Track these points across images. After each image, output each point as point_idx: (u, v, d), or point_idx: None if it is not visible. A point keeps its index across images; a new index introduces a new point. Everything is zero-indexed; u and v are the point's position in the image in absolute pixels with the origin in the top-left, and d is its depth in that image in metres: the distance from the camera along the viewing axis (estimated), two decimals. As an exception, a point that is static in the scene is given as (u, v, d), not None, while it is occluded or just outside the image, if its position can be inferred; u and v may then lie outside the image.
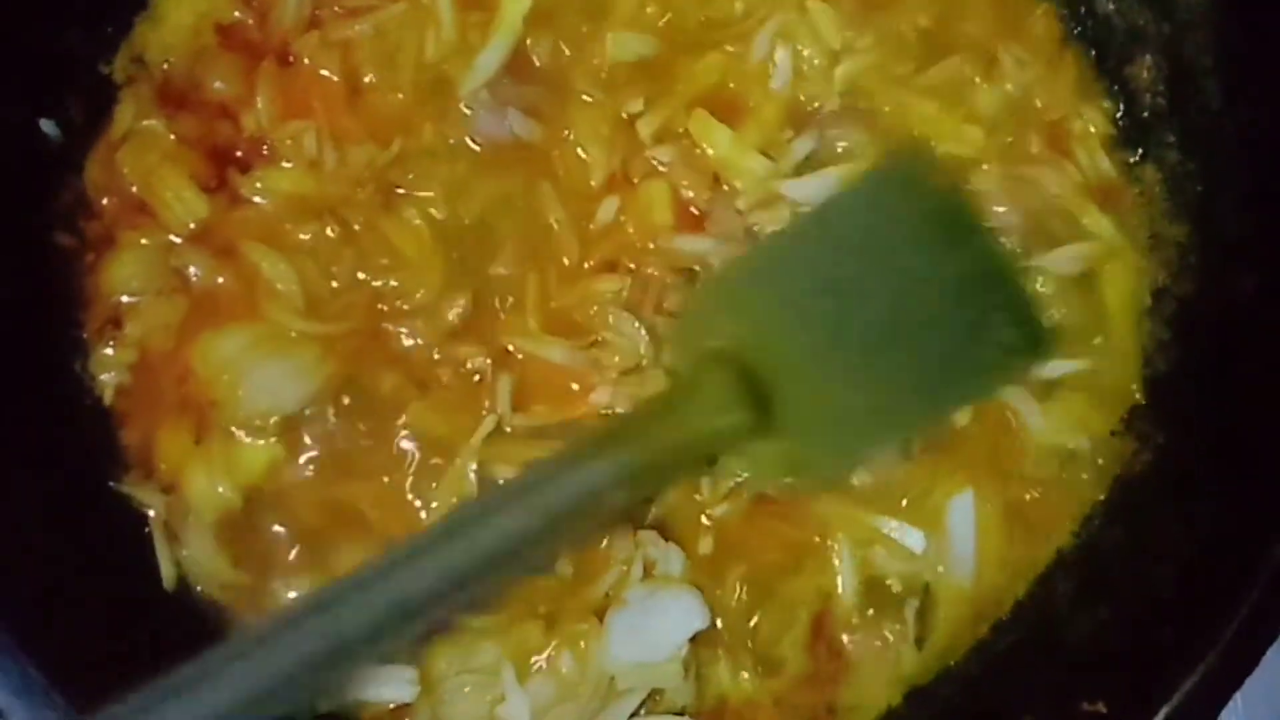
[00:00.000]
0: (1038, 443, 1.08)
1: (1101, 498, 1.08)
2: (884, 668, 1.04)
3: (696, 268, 1.08)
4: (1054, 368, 1.08)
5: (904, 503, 1.06)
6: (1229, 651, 0.89)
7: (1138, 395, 1.10)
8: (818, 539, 1.05)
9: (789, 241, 0.96)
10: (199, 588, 1.03)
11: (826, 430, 0.88)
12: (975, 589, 1.06)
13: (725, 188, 1.10)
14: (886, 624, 1.05)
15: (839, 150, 1.11)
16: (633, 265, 1.08)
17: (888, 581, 1.05)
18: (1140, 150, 1.16)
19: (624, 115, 1.11)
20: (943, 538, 1.05)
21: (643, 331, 1.05)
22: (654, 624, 1.00)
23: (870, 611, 1.05)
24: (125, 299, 1.07)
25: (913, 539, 1.04)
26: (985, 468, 1.07)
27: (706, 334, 0.88)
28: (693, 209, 1.10)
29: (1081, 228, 1.13)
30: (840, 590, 1.04)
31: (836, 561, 1.05)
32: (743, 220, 1.09)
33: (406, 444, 1.04)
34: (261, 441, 1.03)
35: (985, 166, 1.12)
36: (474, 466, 1.02)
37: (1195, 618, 0.92)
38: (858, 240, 0.88)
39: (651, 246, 1.08)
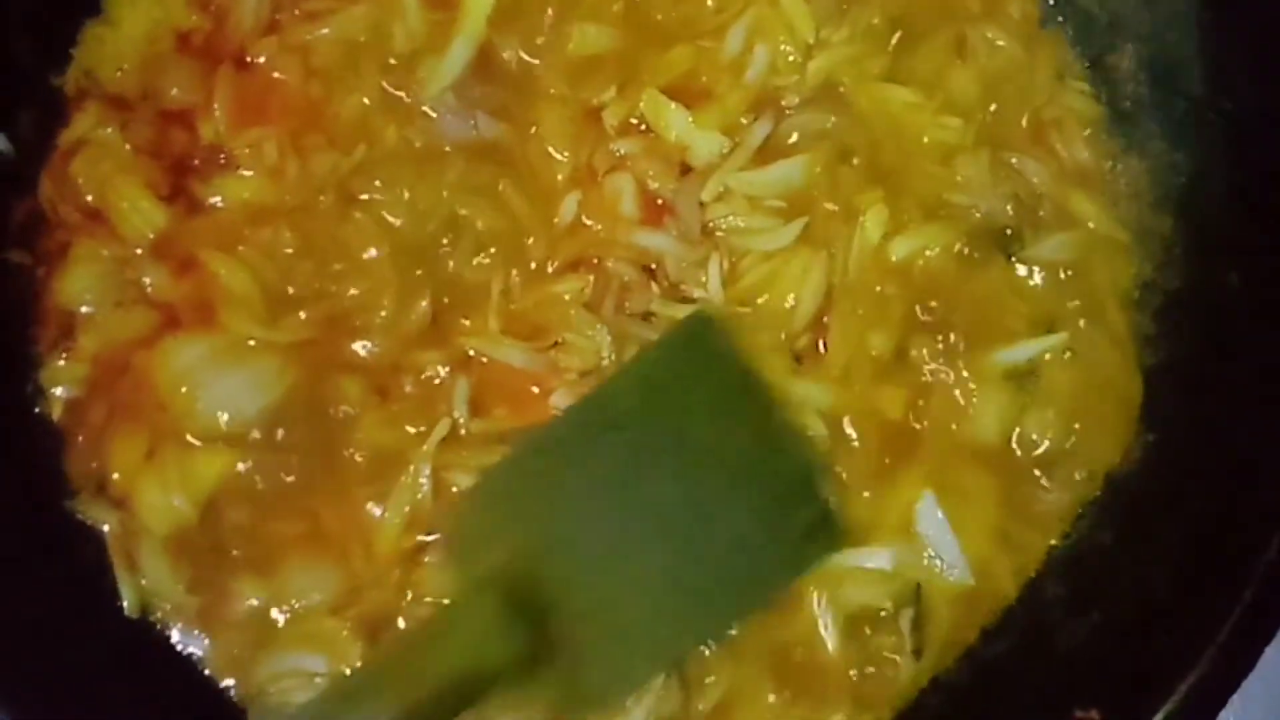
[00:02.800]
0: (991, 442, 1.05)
1: (1093, 496, 1.05)
2: (878, 686, 1.01)
3: (654, 265, 1.06)
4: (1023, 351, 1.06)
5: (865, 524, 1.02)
6: (1225, 654, 0.86)
7: (1133, 389, 1.07)
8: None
9: (560, 436, 0.89)
10: (157, 613, 1.00)
11: (609, 651, 0.79)
12: (976, 585, 1.03)
13: (689, 176, 1.08)
14: (881, 639, 1.01)
15: (797, 139, 1.10)
16: (597, 260, 1.06)
17: (877, 609, 1.02)
18: (1123, 140, 1.14)
19: (595, 103, 1.10)
20: (919, 544, 1.02)
21: (604, 332, 1.03)
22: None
23: (867, 632, 1.01)
24: (83, 309, 1.04)
25: (878, 560, 1.00)
26: (941, 467, 1.04)
27: (477, 551, 0.81)
28: (658, 200, 1.08)
29: (1069, 216, 1.11)
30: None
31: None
32: (701, 215, 1.07)
33: (364, 452, 1.01)
34: (218, 452, 0.99)
35: (966, 154, 1.10)
36: (428, 471, 0.99)
37: (1189, 620, 0.89)
38: (636, 426, 0.81)
39: (617, 240, 1.06)
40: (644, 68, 1.11)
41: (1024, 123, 1.13)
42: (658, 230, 1.07)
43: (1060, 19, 1.17)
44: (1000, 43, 1.14)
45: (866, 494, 1.02)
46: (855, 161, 1.10)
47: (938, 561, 1.02)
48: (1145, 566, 0.98)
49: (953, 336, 1.06)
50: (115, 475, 1.01)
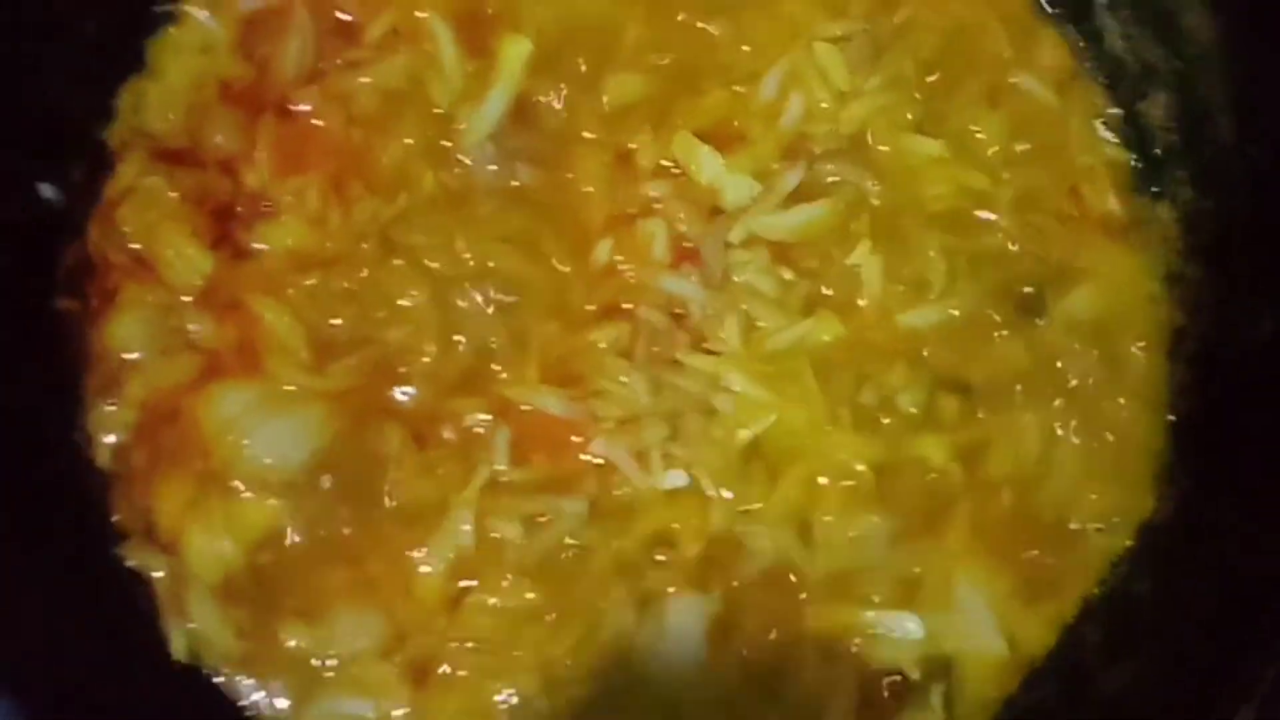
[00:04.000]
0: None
1: (1128, 545, 1.05)
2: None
3: (680, 311, 1.07)
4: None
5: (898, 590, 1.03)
6: (1266, 705, 0.86)
7: (1161, 442, 1.08)
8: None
9: None
10: (205, 658, 1.01)
11: None
12: (1009, 655, 1.03)
13: (718, 219, 1.09)
14: (911, 713, 1.01)
15: (827, 184, 1.11)
16: (629, 306, 1.07)
17: (904, 672, 1.02)
18: (1154, 188, 1.15)
19: (629, 146, 1.11)
20: (955, 614, 1.02)
21: (640, 380, 1.04)
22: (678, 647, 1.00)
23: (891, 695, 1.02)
24: (130, 356, 1.06)
25: (910, 625, 1.01)
26: (983, 535, 1.04)
27: None
28: (686, 243, 1.09)
29: (1095, 265, 1.12)
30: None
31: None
32: (725, 258, 1.08)
33: (405, 499, 1.02)
34: (264, 499, 1.01)
35: (996, 215, 1.12)
36: (469, 519, 1.00)
37: (1226, 671, 0.89)
38: None
39: (647, 285, 1.08)
40: (678, 111, 1.12)
41: (1054, 170, 1.14)
42: (683, 276, 1.08)
43: (1092, 68, 1.18)
44: (1032, 90, 1.15)
45: (915, 546, 1.04)
46: (877, 217, 1.10)
47: (972, 636, 1.02)
48: (1183, 615, 0.98)
49: (975, 395, 1.07)
50: (163, 521, 1.02)
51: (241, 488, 1.01)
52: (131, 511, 1.03)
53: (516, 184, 1.11)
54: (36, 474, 1.01)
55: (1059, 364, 1.08)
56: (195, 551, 1.00)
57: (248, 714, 1.00)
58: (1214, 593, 0.96)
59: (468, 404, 1.05)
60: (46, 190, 1.08)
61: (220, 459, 1.02)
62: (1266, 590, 0.91)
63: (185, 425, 1.03)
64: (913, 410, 1.05)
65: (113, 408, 1.05)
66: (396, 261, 1.08)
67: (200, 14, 1.14)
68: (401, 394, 1.05)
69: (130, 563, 1.02)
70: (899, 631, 1.01)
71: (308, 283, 1.07)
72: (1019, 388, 1.08)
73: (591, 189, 1.11)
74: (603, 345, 1.06)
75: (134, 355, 1.06)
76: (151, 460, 1.03)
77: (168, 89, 1.12)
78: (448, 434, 1.04)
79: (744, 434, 1.04)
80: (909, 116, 1.13)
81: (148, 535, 1.02)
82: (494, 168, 1.11)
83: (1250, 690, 0.86)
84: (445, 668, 1.00)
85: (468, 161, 1.11)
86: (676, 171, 1.11)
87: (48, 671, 0.92)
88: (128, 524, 1.03)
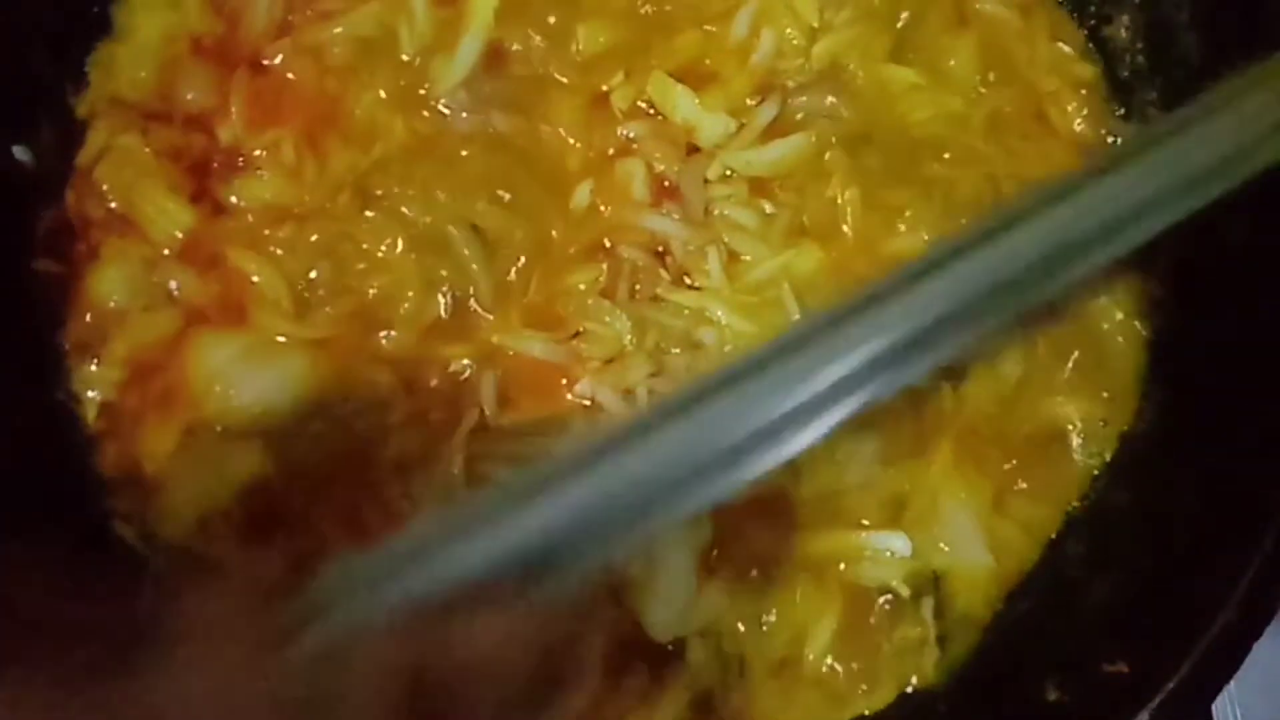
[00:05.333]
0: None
1: (1108, 458, 1.07)
2: (902, 672, 1.03)
3: (662, 249, 1.08)
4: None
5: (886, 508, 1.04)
6: (1246, 604, 0.87)
7: (1140, 354, 1.09)
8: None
9: None
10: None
11: None
12: (997, 569, 1.04)
13: (695, 157, 1.10)
14: (903, 628, 1.02)
15: (799, 121, 1.11)
16: (609, 245, 1.08)
17: (893, 587, 1.03)
18: (1123, 110, 1.16)
19: (604, 88, 1.11)
20: (942, 530, 1.03)
21: (624, 319, 1.04)
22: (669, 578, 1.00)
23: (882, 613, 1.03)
24: (112, 305, 1.06)
25: (897, 544, 1.02)
26: (966, 452, 1.05)
27: None
28: (665, 182, 1.10)
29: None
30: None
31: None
32: (705, 194, 1.09)
33: (394, 445, 1.02)
34: (251, 445, 1.01)
35: (971, 139, 1.13)
36: (458, 463, 1.00)
37: (1210, 573, 0.90)
38: None
39: (627, 224, 1.08)
40: (652, 53, 1.13)
41: (1021, 94, 1.15)
42: (663, 214, 1.09)
43: (1053, -7, 1.19)
44: (996, 14, 1.16)
45: (902, 466, 1.04)
46: (853, 147, 1.11)
47: (959, 552, 1.03)
48: (1163, 523, 0.99)
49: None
50: (149, 467, 1.02)
51: (230, 435, 1.01)
52: (117, 463, 1.03)
53: (492, 131, 1.11)
54: (20, 434, 1.01)
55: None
56: (180, 492, 1.00)
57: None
58: (1196, 498, 0.98)
59: (453, 351, 1.05)
60: (20, 153, 1.07)
61: (208, 411, 1.02)
62: (1249, 492, 0.92)
63: (172, 377, 1.03)
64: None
65: (97, 366, 1.05)
66: (372, 212, 1.07)
67: (165, -33, 1.13)
68: (386, 343, 1.05)
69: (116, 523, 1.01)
70: (887, 551, 1.02)
71: (286, 235, 1.06)
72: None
73: (567, 132, 1.11)
74: (583, 286, 1.07)
75: (116, 306, 1.05)
76: (138, 412, 1.03)
77: (138, 47, 1.12)
78: (435, 381, 1.05)
79: (727, 366, 1.04)
80: (881, 47, 1.13)
81: (132, 484, 1.02)
82: (467, 115, 1.11)
83: (1234, 588, 0.88)
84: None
85: (442, 110, 1.11)
86: (652, 112, 1.12)
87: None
88: (113, 476, 1.03)
